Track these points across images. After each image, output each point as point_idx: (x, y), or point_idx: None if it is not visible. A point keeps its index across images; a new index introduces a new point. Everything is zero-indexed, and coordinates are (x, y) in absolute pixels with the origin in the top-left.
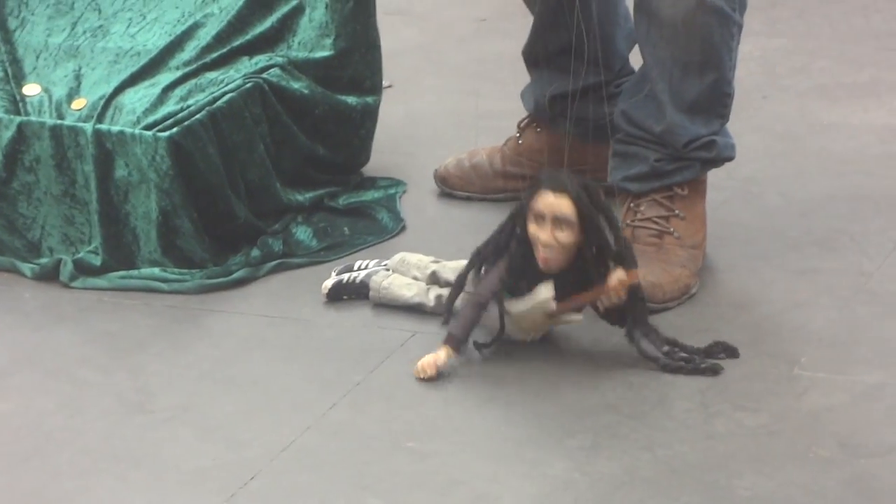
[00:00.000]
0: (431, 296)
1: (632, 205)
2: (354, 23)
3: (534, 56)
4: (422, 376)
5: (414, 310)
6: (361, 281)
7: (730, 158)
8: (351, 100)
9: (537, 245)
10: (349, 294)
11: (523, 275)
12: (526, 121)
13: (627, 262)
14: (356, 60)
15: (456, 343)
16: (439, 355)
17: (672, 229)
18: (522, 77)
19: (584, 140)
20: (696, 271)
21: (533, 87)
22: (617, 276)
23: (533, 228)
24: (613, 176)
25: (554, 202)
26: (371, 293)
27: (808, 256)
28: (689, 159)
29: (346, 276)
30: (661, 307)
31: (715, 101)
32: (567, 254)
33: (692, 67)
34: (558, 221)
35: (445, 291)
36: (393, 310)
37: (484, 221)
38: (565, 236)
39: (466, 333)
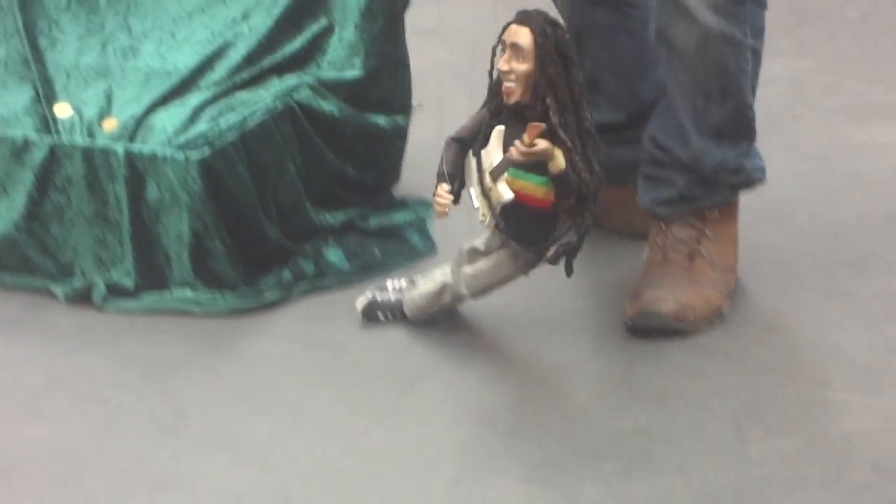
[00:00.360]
0: (453, 277)
1: (662, 226)
2: (384, 42)
3: None
4: (442, 215)
5: (437, 297)
6: (396, 299)
7: (760, 181)
8: (381, 120)
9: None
10: (384, 311)
11: (498, 119)
12: None
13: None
14: (386, 80)
15: (442, 177)
16: (438, 192)
17: (703, 251)
18: None
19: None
20: (728, 293)
21: None
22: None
23: (498, 60)
24: (643, 198)
25: (515, 30)
26: (405, 305)
27: (840, 278)
28: (718, 183)
29: (379, 295)
30: (692, 329)
31: (739, 124)
32: (521, 85)
33: (713, 94)
34: (515, 49)
35: (468, 267)
36: (425, 333)
37: None
38: (520, 65)
39: (451, 167)
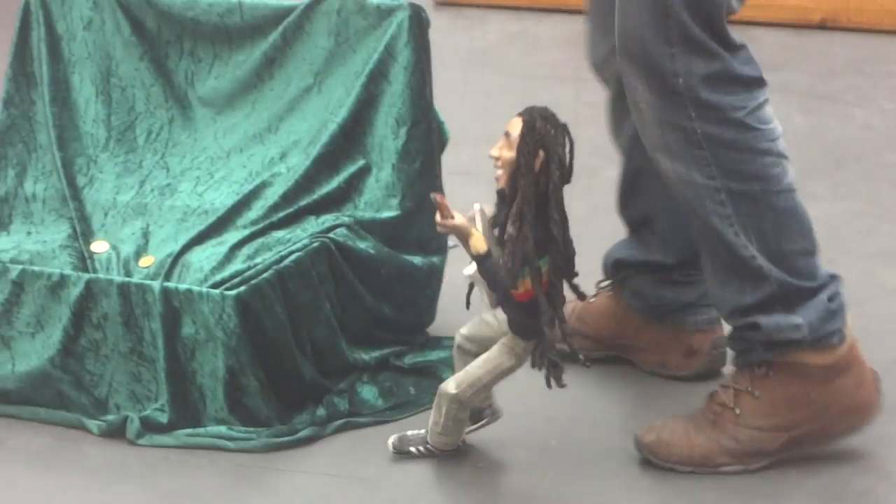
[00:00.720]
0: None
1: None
2: (421, 183)
3: (622, 216)
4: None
5: (438, 408)
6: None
7: (791, 341)
8: (417, 260)
9: None
10: (415, 445)
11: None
12: (604, 282)
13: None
14: (422, 221)
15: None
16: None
17: (734, 406)
18: (589, 240)
19: (645, 316)
20: (744, 454)
21: (613, 247)
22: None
23: None
24: None
25: (513, 120)
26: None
27: (877, 423)
28: (745, 340)
29: (410, 429)
30: (665, 466)
31: (739, 266)
32: (507, 172)
33: (698, 236)
34: (507, 138)
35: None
36: (455, 469)
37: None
38: (506, 152)
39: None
